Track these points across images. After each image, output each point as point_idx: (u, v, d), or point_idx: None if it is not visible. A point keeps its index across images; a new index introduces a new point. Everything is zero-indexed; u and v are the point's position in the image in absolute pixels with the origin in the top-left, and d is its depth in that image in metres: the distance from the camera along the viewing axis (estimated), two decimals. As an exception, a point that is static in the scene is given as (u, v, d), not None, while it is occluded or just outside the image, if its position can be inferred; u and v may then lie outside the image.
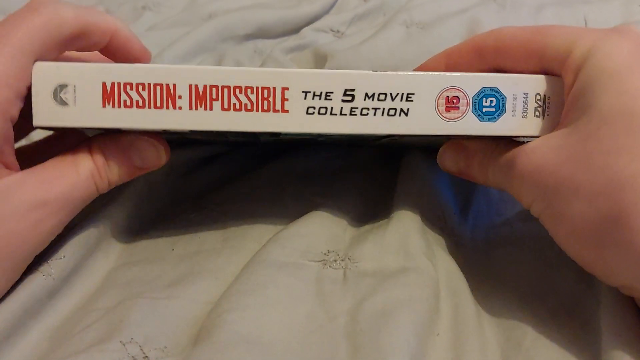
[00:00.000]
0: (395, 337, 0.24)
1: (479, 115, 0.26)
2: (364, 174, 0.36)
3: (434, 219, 0.32)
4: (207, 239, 0.31)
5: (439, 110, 0.25)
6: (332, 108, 0.25)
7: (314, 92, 0.25)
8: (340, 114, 0.25)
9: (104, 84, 0.24)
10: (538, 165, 0.24)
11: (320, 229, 0.30)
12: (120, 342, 0.24)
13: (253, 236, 0.31)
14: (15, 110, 0.24)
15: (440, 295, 0.27)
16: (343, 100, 0.25)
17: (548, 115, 0.26)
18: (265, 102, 0.25)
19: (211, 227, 0.32)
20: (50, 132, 0.32)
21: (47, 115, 0.24)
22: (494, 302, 0.28)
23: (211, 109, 0.25)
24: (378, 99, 0.25)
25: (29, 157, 0.26)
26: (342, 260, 0.29)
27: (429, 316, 0.26)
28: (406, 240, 0.30)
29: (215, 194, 0.35)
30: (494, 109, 0.26)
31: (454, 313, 0.27)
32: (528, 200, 0.25)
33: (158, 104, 0.24)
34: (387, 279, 0.27)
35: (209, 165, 0.37)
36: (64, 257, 0.27)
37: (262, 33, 0.53)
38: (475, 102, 0.25)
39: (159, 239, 0.31)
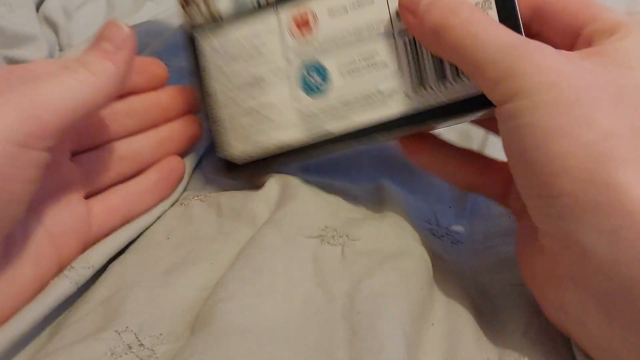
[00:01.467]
0: (392, 323, 0.24)
1: None
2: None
3: (423, 222, 0.32)
4: (202, 226, 0.31)
5: None
6: None
7: None
8: None
9: None
10: None
11: (316, 206, 0.30)
12: (116, 331, 0.24)
13: (247, 219, 0.30)
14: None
15: (434, 283, 0.27)
16: None
17: None
18: None
19: (206, 213, 0.32)
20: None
21: None
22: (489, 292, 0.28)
23: None
24: None
25: None
26: (340, 236, 0.28)
27: (423, 305, 0.26)
28: (402, 229, 0.30)
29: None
30: None
31: (447, 303, 0.27)
32: None
33: None
34: (384, 261, 0.27)
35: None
36: (92, 267, 0.28)
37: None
38: None
39: (155, 227, 0.31)
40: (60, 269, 0.27)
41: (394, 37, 0.27)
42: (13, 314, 0.25)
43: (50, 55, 0.51)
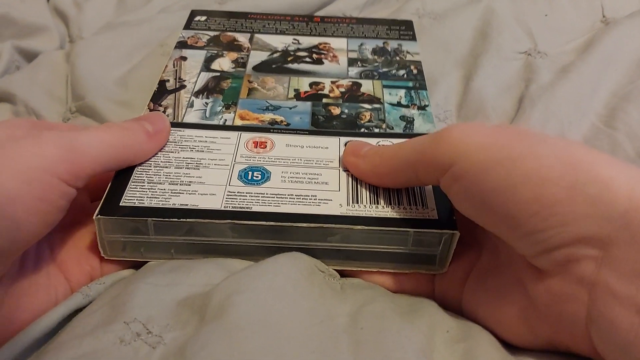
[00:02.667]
0: (396, 335, 0.24)
1: None
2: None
3: None
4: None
5: None
6: None
7: None
8: None
9: None
10: None
11: (311, 259, 0.30)
12: (125, 322, 0.24)
13: None
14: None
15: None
16: None
17: None
18: None
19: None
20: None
21: None
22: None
23: None
24: None
25: None
26: (339, 279, 0.29)
27: (433, 316, 0.26)
28: None
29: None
30: None
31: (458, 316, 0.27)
32: None
33: None
34: (387, 293, 0.28)
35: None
36: (103, 283, 0.28)
37: (274, 18, 0.53)
38: None
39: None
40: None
41: (339, 171, 0.32)
42: None
43: (61, 46, 0.52)
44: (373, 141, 0.33)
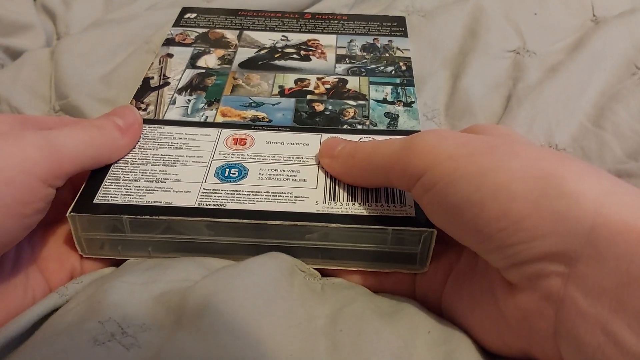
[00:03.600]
0: (374, 339, 0.24)
1: None
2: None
3: None
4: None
5: None
6: None
7: None
8: None
9: None
10: None
11: (292, 259, 0.29)
12: (99, 321, 0.24)
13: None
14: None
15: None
16: None
17: None
18: None
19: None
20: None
21: None
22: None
23: None
24: None
25: None
26: (320, 279, 0.29)
27: (413, 317, 0.26)
28: None
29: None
30: None
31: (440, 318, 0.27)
32: None
33: None
34: (368, 293, 0.28)
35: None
36: (81, 282, 0.28)
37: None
38: None
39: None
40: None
41: (318, 168, 0.31)
42: None
43: (48, 44, 0.51)
44: (355, 138, 0.33)
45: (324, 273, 0.30)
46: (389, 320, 0.25)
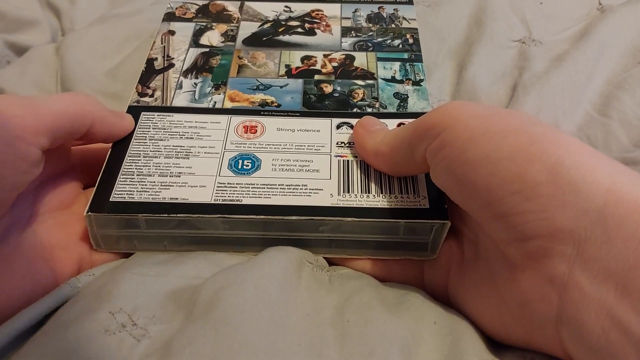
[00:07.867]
0: (382, 328, 0.24)
1: None
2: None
3: None
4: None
5: None
6: None
7: None
8: None
9: None
10: None
11: (300, 251, 0.29)
12: (110, 312, 0.24)
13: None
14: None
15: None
16: None
17: None
18: None
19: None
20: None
21: None
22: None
23: None
24: None
25: None
26: (328, 270, 0.29)
27: (419, 307, 0.26)
28: None
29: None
30: None
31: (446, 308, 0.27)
32: None
33: None
34: (376, 283, 0.28)
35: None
36: (93, 274, 0.28)
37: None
38: None
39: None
40: (56, 285, 0.28)
41: (330, 157, 0.31)
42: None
43: (53, 40, 0.51)
44: None
45: (332, 261, 0.30)
46: (395, 310, 0.26)
